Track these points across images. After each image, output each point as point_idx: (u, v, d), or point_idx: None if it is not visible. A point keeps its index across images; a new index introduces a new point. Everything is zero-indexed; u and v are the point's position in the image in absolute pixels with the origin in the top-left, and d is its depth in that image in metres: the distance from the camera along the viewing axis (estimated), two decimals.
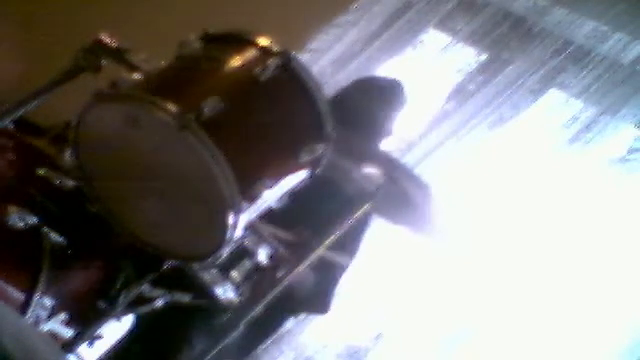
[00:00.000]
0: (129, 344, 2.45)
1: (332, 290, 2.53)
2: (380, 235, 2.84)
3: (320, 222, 2.15)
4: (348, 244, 2.34)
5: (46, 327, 2.04)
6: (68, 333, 2.09)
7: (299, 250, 2.08)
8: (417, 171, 3.03)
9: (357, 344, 3.26)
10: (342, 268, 2.50)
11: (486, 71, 3.52)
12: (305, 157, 1.84)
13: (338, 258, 2.34)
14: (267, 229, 2.04)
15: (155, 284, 2.11)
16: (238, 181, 1.71)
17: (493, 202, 3.22)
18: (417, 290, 3.22)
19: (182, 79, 1.84)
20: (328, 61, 3.60)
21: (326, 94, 1.90)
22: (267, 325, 2.51)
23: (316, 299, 2.48)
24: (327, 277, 2.43)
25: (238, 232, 1.78)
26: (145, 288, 2.09)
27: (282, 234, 2.10)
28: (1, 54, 3.41)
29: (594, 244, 3.08)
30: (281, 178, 1.86)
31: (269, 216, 1.94)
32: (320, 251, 2.09)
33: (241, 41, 1.87)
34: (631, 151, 3.22)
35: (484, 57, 3.56)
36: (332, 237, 2.10)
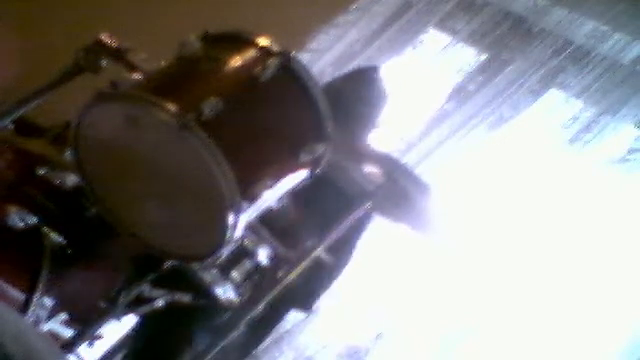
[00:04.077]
0: (130, 344, 2.45)
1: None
2: (380, 235, 2.83)
3: (319, 222, 2.15)
4: (344, 244, 2.33)
5: (46, 327, 2.04)
6: (68, 333, 2.10)
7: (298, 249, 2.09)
8: (417, 171, 3.02)
9: (357, 344, 3.26)
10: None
11: (486, 71, 3.52)
12: (305, 157, 1.84)
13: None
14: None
15: (155, 284, 2.11)
16: (238, 181, 1.70)
17: (493, 202, 3.22)
18: (417, 290, 3.22)
19: (182, 79, 1.84)
20: (328, 61, 3.60)
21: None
22: (266, 323, 2.50)
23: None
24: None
25: (238, 232, 1.78)
26: (145, 288, 2.09)
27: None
28: (1, 54, 3.40)
29: (594, 244, 3.08)
30: (281, 178, 1.85)
31: (269, 216, 1.94)
32: (320, 250, 2.09)
33: (241, 41, 1.87)
34: (631, 151, 3.21)
35: (484, 57, 3.56)
36: (331, 237, 2.10)
